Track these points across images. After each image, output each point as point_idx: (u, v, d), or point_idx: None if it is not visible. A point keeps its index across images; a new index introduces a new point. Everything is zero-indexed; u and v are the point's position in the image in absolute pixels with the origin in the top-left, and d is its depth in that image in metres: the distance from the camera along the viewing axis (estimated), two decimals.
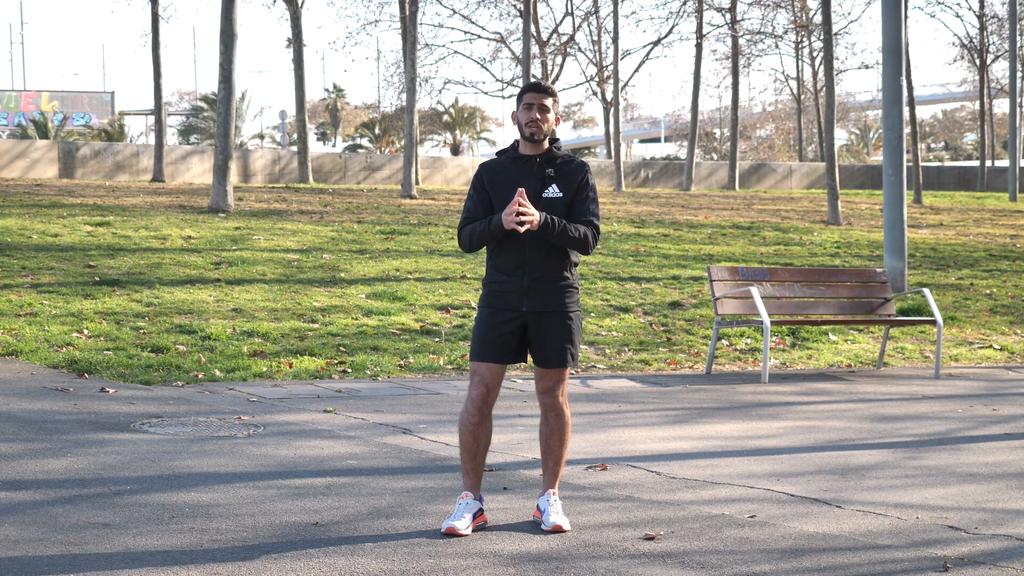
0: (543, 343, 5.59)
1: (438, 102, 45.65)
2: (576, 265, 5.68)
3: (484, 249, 5.74)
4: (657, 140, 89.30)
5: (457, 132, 74.49)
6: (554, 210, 5.56)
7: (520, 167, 5.61)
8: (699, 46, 36.63)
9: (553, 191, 5.57)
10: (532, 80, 5.73)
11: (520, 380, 10.41)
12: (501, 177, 5.61)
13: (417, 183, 28.99)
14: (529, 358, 5.75)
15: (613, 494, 6.32)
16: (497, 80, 43.60)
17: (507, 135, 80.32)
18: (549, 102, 5.58)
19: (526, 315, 5.57)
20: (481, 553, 5.14)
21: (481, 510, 5.61)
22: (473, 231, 5.59)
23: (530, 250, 5.54)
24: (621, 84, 36.59)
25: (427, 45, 39.21)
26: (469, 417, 5.61)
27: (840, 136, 78.77)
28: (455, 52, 40.88)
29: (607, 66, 41.32)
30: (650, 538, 5.41)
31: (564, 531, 5.49)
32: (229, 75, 20.23)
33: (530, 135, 5.56)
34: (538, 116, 5.54)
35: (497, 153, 5.78)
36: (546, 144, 5.62)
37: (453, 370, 10.85)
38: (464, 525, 5.46)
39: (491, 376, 5.59)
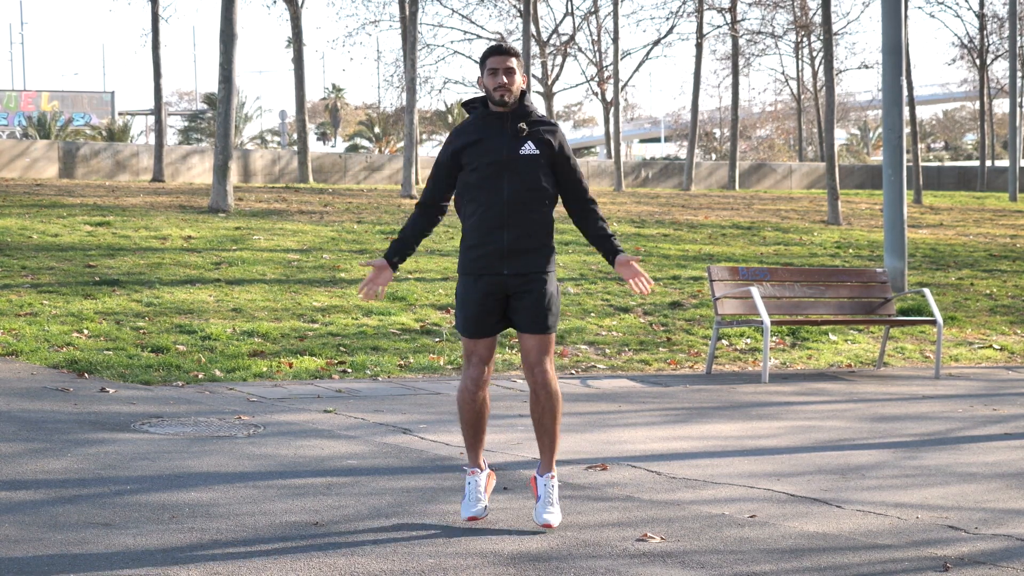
0: (525, 309, 5.55)
1: (442, 102, 45.70)
2: (552, 226, 5.64)
3: (459, 207, 5.71)
4: (657, 140, 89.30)
5: None
6: (532, 168, 5.51)
7: (491, 124, 5.55)
8: (699, 46, 36.63)
9: (529, 148, 5.52)
10: (495, 43, 5.74)
11: (520, 380, 10.41)
12: (474, 138, 5.55)
13: (417, 183, 28.96)
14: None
15: (613, 494, 6.32)
16: None
17: None
18: (513, 63, 5.52)
19: (507, 279, 5.53)
20: (481, 553, 5.14)
21: (489, 473, 5.73)
22: (404, 230, 5.73)
23: (509, 210, 5.50)
24: (621, 84, 36.57)
25: (427, 45, 39.24)
26: (469, 394, 5.61)
27: (840, 136, 78.77)
28: (455, 52, 40.92)
29: (607, 66, 41.33)
30: (650, 538, 5.41)
31: (552, 528, 5.48)
32: (229, 75, 20.23)
33: (500, 99, 5.51)
34: (505, 80, 5.49)
35: (465, 104, 5.69)
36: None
37: (453, 370, 10.84)
38: (481, 509, 5.57)
39: (487, 352, 5.61)
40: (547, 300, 5.57)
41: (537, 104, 42.46)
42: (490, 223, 5.51)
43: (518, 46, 37.89)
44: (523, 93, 5.62)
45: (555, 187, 5.64)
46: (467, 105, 5.72)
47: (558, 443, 5.71)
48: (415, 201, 24.40)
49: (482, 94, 5.65)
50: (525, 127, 5.54)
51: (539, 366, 5.60)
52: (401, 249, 5.74)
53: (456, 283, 5.73)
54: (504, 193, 5.50)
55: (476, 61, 41.75)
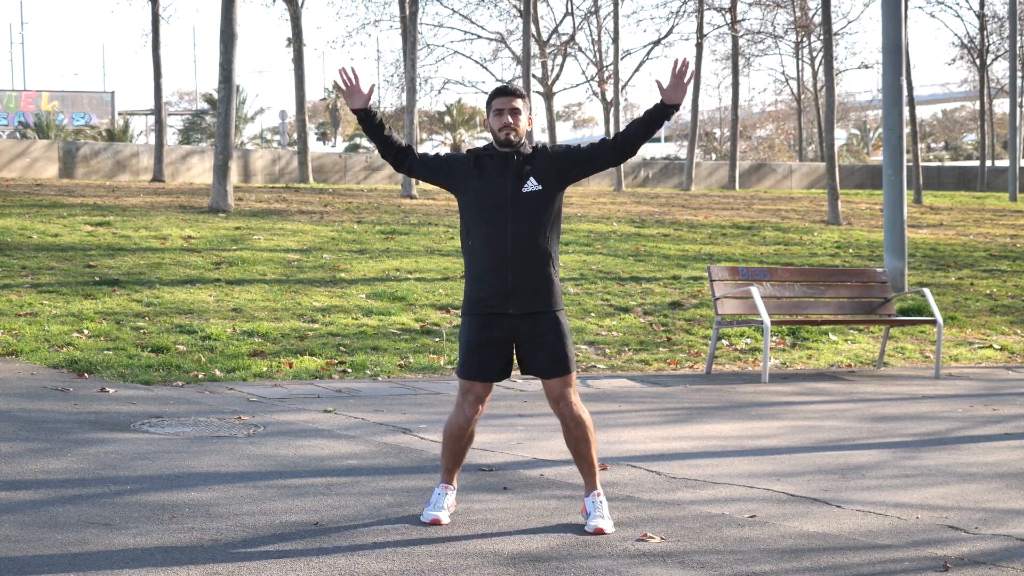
0: (540, 355, 5.53)
1: (441, 102, 45.69)
2: (557, 259, 5.62)
3: (462, 248, 5.71)
4: (657, 140, 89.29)
5: (458, 132, 74.57)
6: (536, 205, 5.50)
7: (497, 163, 5.55)
8: (699, 46, 36.63)
9: (532, 185, 5.51)
10: (501, 85, 5.75)
11: (520, 380, 10.41)
12: (480, 171, 5.55)
13: (417, 183, 28.99)
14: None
15: (613, 494, 6.32)
16: (497, 80, 43.55)
17: None
18: (519, 104, 5.54)
19: (513, 320, 5.50)
20: (481, 553, 5.14)
21: (454, 498, 5.75)
22: (390, 141, 5.70)
23: (513, 249, 5.47)
24: (621, 84, 36.58)
25: (427, 45, 39.22)
26: (459, 430, 5.63)
27: (840, 136, 78.78)
28: (455, 52, 40.91)
29: (607, 66, 41.29)
30: (650, 538, 5.41)
31: (606, 534, 5.47)
32: (229, 75, 20.23)
33: (505, 139, 5.52)
34: (510, 120, 5.51)
35: (469, 152, 5.70)
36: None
37: (453, 370, 10.84)
38: (446, 517, 5.59)
39: (485, 393, 5.62)
40: (562, 342, 5.55)
41: (537, 105, 42.45)
42: (494, 263, 5.49)
43: (518, 46, 37.87)
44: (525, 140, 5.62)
45: (558, 220, 5.60)
46: (471, 153, 5.70)
47: (596, 466, 5.71)
48: (415, 201, 24.48)
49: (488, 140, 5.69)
50: (530, 167, 5.54)
51: (563, 400, 5.60)
52: (380, 122, 5.69)
53: (460, 323, 5.72)
54: (508, 233, 5.48)
55: (476, 61, 41.94)
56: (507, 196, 5.49)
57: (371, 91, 5.69)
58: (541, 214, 5.52)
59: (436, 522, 5.54)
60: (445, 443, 5.69)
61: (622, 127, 38.21)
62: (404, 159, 5.72)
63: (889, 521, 5.85)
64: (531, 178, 5.53)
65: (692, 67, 5.58)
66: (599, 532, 5.47)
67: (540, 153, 5.60)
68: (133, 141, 56.52)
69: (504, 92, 5.56)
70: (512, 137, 5.52)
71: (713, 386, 10.79)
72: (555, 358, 5.54)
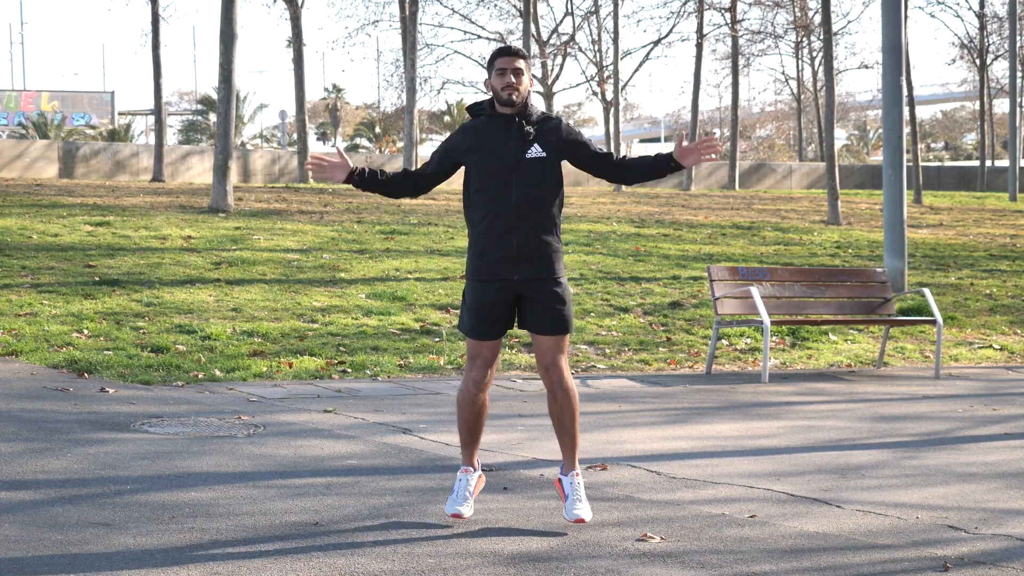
0: (540, 311, 5.53)
1: (443, 101, 45.68)
2: (560, 226, 5.63)
3: (467, 213, 5.70)
4: (657, 140, 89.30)
5: None
6: (539, 171, 5.52)
7: (499, 126, 5.56)
8: (699, 46, 36.66)
9: (536, 151, 5.52)
10: (503, 45, 5.78)
11: (520, 380, 10.41)
12: (481, 139, 5.56)
13: None
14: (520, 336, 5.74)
15: (613, 494, 6.32)
16: None
17: None
18: (522, 64, 5.54)
19: (517, 284, 5.53)
20: (481, 553, 5.14)
21: (480, 475, 5.74)
22: (383, 170, 5.69)
23: (517, 215, 5.49)
24: (621, 84, 36.59)
25: (427, 45, 39.25)
26: (469, 396, 5.62)
27: (840, 136, 78.79)
28: (455, 52, 40.96)
29: (607, 66, 41.31)
30: (650, 538, 5.41)
31: (586, 522, 5.47)
32: (229, 75, 20.24)
33: (508, 98, 5.52)
34: (513, 80, 5.51)
35: (470, 108, 5.69)
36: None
37: (453, 370, 10.84)
38: (468, 510, 5.57)
39: (492, 354, 5.61)
40: (562, 302, 5.56)
41: (537, 104, 42.45)
42: (499, 229, 5.50)
43: (518, 46, 37.88)
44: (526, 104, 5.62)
45: (561, 186, 5.62)
46: (472, 109, 5.71)
47: (579, 441, 5.69)
48: (415, 201, 24.51)
49: (487, 96, 5.68)
50: (532, 130, 5.55)
51: (555, 366, 5.58)
52: (370, 173, 5.69)
53: (463, 286, 5.72)
54: (512, 198, 5.49)
55: (476, 61, 41.97)
56: (511, 160, 5.50)
57: (341, 156, 5.68)
58: (545, 180, 5.54)
59: (457, 516, 5.53)
60: (459, 413, 5.68)
61: (621, 126, 38.06)
62: (416, 185, 5.74)
63: (889, 521, 5.85)
64: (535, 144, 5.53)
65: (718, 148, 5.64)
66: (579, 522, 5.48)
67: (549, 123, 5.61)
68: (133, 141, 56.53)
69: (507, 52, 5.58)
70: (514, 97, 5.52)
71: (713, 386, 10.79)
72: (554, 316, 5.54)
